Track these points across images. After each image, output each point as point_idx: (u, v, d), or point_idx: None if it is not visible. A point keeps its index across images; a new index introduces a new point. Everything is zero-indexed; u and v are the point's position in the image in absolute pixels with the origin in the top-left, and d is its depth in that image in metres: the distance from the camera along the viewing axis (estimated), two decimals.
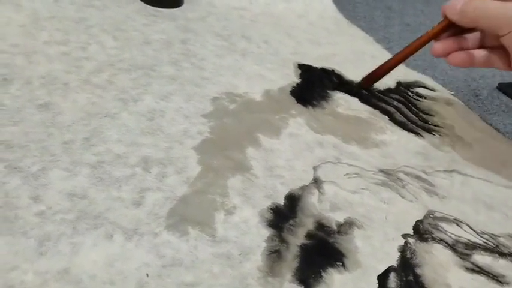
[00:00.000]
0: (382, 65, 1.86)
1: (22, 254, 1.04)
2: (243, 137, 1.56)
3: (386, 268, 1.20)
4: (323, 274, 1.15)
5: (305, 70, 2.05)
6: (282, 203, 1.33)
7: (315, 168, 1.48)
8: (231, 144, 1.51)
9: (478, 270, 1.26)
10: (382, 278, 1.17)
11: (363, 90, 1.82)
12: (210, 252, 1.15)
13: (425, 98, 2.04)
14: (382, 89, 2.01)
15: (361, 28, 2.67)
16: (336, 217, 1.32)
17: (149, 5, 2.29)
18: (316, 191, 1.39)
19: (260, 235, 1.22)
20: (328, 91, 1.93)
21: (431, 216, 1.40)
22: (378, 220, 1.35)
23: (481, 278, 1.24)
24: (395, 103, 1.93)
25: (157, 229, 1.16)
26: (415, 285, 1.18)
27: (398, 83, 2.10)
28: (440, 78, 2.27)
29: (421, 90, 2.09)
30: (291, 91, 1.85)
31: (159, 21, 2.17)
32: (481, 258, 1.30)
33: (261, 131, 1.60)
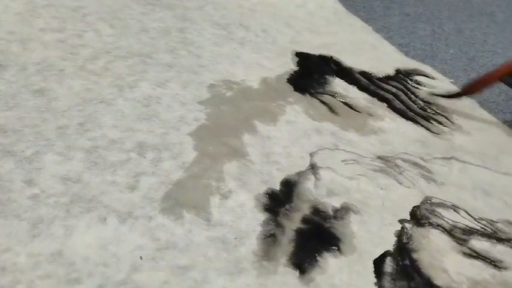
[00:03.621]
0: (489, 73, 1.98)
1: (15, 236, 1.03)
2: (239, 124, 1.54)
3: (382, 252, 1.19)
4: (318, 258, 1.14)
5: (303, 58, 2.03)
6: (278, 188, 1.32)
7: (311, 155, 1.47)
8: (228, 131, 1.50)
9: (476, 255, 1.25)
10: (378, 262, 1.16)
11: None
12: (205, 236, 1.14)
13: (424, 86, 2.02)
14: (380, 76, 1.99)
15: (360, 18, 2.65)
16: (333, 202, 1.31)
17: None
18: (312, 177, 1.39)
19: (256, 219, 1.21)
20: (327, 77, 1.92)
21: (428, 202, 1.39)
22: (375, 206, 1.34)
23: (478, 263, 1.23)
24: (394, 90, 1.92)
25: (152, 213, 1.16)
26: (411, 269, 1.17)
27: (397, 71, 2.08)
28: (440, 67, 2.26)
29: (420, 79, 2.08)
30: (288, 79, 1.84)
31: (156, 10, 2.16)
32: (479, 244, 1.29)
33: (258, 118, 1.59)
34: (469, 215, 1.38)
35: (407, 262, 1.18)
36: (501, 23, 2.99)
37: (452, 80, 2.14)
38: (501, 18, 3.09)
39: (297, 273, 1.09)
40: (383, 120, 1.73)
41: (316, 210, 1.27)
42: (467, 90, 1.94)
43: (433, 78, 2.09)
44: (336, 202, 1.32)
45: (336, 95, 1.81)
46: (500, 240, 1.32)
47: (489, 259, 1.25)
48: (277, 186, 1.33)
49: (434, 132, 1.73)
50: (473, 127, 1.84)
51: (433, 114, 1.84)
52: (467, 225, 1.34)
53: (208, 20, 2.19)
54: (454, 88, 2.06)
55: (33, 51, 1.64)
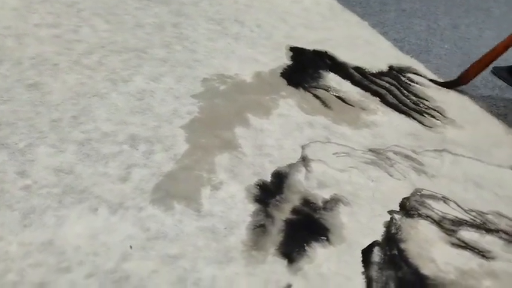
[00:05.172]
0: (480, 59, 2.09)
1: (7, 226, 1.05)
2: (232, 117, 1.56)
3: (370, 243, 1.21)
4: (307, 248, 1.16)
5: (297, 53, 2.04)
6: (269, 180, 1.33)
7: (303, 147, 1.49)
8: (221, 124, 1.52)
9: (464, 245, 1.27)
10: (366, 252, 1.17)
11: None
12: (195, 226, 1.15)
13: (417, 83, 2.03)
14: (374, 72, 2.00)
15: (356, 13, 2.65)
16: (323, 194, 1.33)
17: None
18: (303, 169, 1.40)
19: (246, 210, 1.22)
20: (320, 72, 1.93)
21: (418, 193, 1.40)
22: (365, 197, 1.35)
23: (467, 253, 1.25)
24: (387, 85, 1.93)
25: (143, 203, 1.17)
26: (399, 259, 1.18)
27: (391, 67, 2.09)
28: (434, 62, 2.26)
29: (413, 76, 2.08)
30: (282, 73, 1.85)
31: (152, 6, 2.17)
32: (468, 234, 1.31)
33: (251, 111, 1.61)
34: (459, 206, 1.39)
35: (395, 252, 1.19)
36: (497, 19, 3.00)
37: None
38: (497, 13, 3.09)
39: (286, 262, 1.11)
40: (376, 114, 1.74)
41: (306, 202, 1.29)
42: (466, 77, 2.00)
43: (425, 76, 2.09)
44: (326, 194, 1.33)
45: (330, 89, 1.82)
46: (489, 231, 1.33)
47: (477, 249, 1.26)
48: (268, 178, 1.34)
49: (427, 126, 1.74)
50: (466, 121, 1.84)
51: (425, 108, 1.85)
52: (456, 217, 1.35)
53: (203, 16, 2.20)
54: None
55: (28, 46, 1.66)
